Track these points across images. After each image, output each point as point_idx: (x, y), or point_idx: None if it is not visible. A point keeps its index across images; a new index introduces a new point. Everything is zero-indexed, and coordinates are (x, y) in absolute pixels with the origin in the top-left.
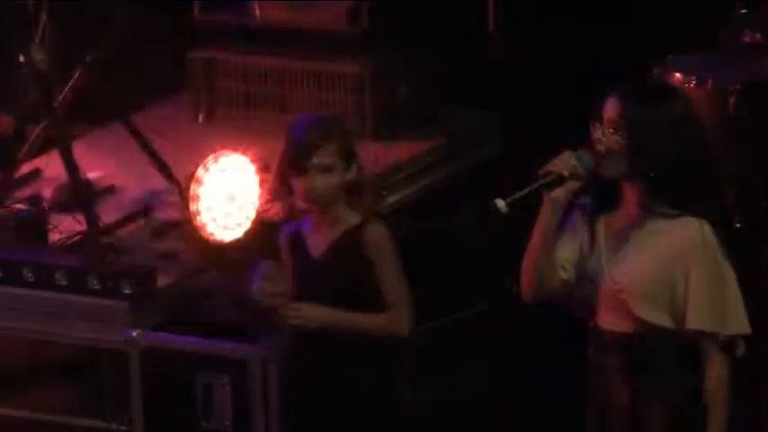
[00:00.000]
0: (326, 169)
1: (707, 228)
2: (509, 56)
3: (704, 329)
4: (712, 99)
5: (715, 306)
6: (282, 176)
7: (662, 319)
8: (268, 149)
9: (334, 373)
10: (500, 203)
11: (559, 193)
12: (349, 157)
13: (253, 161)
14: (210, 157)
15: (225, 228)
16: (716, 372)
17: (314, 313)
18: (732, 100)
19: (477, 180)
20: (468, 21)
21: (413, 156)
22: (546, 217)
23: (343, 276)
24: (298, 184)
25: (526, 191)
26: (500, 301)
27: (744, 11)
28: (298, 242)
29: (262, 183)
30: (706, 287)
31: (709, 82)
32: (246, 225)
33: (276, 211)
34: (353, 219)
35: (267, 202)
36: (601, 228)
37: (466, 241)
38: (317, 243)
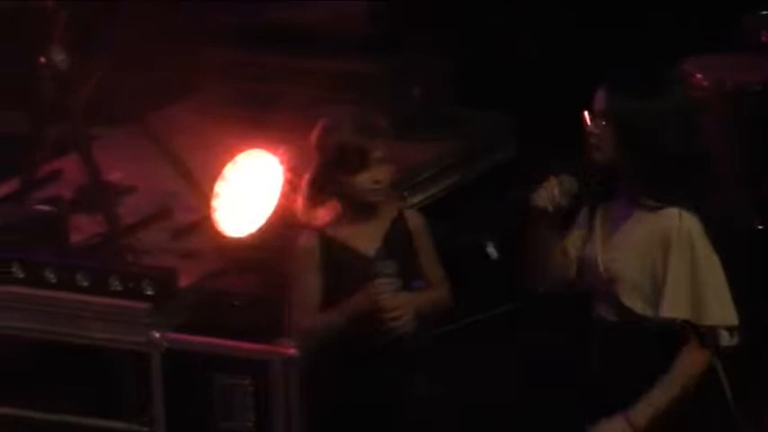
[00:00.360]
0: (385, 160)
1: (688, 219)
2: (525, 56)
3: (678, 317)
4: (731, 100)
5: (692, 296)
6: (327, 181)
7: (646, 310)
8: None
9: (373, 374)
10: (490, 250)
11: (546, 221)
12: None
13: (282, 161)
14: (239, 155)
15: (247, 227)
16: (686, 359)
17: (409, 305)
18: (750, 101)
19: (492, 182)
20: (485, 21)
21: (430, 158)
22: (538, 236)
23: (397, 267)
24: (356, 182)
25: (513, 234)
26: (519, 303)
27: (764, 12)
28: (335, 245)
29: (288, 183)
30: (683, 277)
31: (728, 83)
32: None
33: (322, 215)
34: (391, 210)
35: (307, 208)
36: (598, 217)
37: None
38: (366, 240)
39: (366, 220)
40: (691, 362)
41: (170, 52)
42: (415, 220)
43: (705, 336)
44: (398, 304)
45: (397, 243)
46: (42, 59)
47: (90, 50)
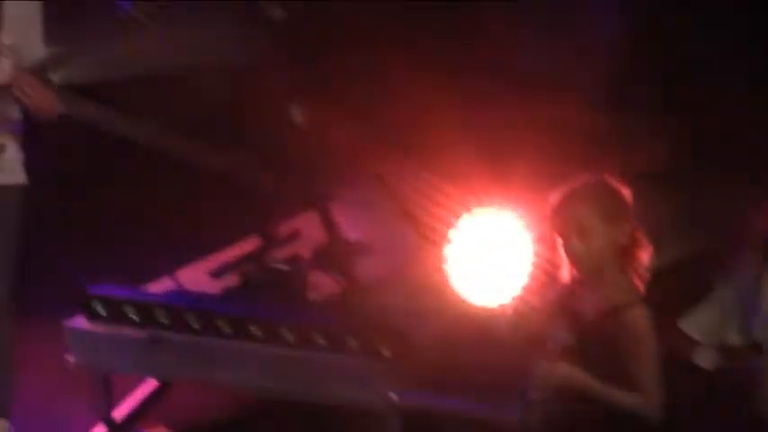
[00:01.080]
0: (582, 232)
1: None
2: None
3: None
4: None
5: None
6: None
7: None
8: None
9: None
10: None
11: None
12: (614, 219)
13: (520, 216)
14: (476, 212)
15: (482, 290)
16: None
17: (567, 372)
18: None
19: None
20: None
21: (666, 220)
22: None
23: (591, 349)
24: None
25: None
26: None
27: None
28: (573, 295)
29: (540, 239)
30: None
31: None
32: (512, 286)
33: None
34: (618, 293)
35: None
36: None
37: None
38: (587, 305)
39: (591, 287)
40: None
41: (412, 109)
42: (633, 319)
43: None
44: (540, 368)
45: (602, 329)
46: (282, 115)
47: (329, 109)
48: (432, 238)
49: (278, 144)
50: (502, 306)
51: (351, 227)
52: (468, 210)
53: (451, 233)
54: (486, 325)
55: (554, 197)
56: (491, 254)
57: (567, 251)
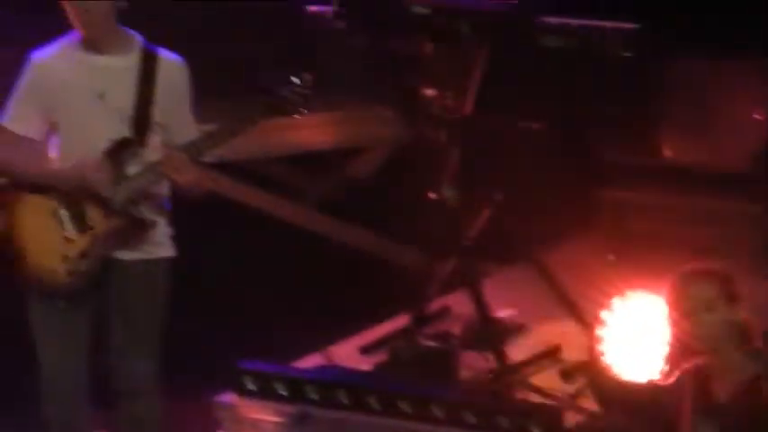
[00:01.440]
0: (706, 306)
1: None
2: None
3: None
4: None
5: None
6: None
7: None
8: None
9: None
10: None
11: None
12: (731, 299)
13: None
14: (616, 297)
15: (634, 370)
16: None
17: None
18: None
19: None
20: None
21: None
22: None
23: (746, 425)
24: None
25: None
26: None
27: None
28: (700, 380)
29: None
30: None
31: None
32: (659, 367)
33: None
34: (751, 365)
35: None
36: None
37: None
38: (723, 385)
39: (721, 366)
40: None
41: (563, 192)
42: None
43: None
44: None
45: (748, 402)
46: (433, 195)
47: (481, 189)
48: (585, 319)
49: (431, 223)
50: (653, 383)
51: (504, 305)
52: (621, 293)
53: (604, 314)
54: (638, 402)
55: (673, 278)
56: (643, 335)
57: (688, 327)
